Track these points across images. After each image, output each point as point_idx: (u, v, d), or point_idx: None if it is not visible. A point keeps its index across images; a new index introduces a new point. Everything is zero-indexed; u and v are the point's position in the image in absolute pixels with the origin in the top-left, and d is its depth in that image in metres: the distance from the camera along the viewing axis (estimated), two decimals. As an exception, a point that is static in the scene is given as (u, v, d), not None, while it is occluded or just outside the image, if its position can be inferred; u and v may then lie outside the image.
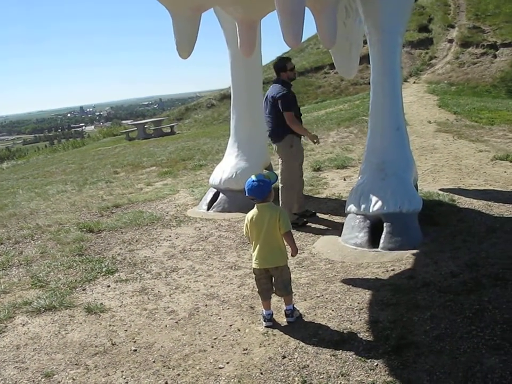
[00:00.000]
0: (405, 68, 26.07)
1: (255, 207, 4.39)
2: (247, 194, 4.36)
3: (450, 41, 26.95)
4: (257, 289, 4.51)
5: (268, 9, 6.55)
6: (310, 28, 6.25)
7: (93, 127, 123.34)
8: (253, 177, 4.34)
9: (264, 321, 4.39)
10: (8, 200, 10.89)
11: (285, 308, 4.44)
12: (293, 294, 4.60)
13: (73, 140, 38.02)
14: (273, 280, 4.42)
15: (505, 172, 8.55)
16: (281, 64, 6.90)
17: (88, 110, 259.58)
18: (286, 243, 4.41)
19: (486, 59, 24.31)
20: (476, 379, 3.33)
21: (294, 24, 4.94)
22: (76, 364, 4.06)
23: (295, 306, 4.49)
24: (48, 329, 4.68)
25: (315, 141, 7.19)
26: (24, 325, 4.82)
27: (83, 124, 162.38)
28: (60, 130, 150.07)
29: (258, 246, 4.35)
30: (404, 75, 24.45)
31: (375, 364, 3.65)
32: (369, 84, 6.85)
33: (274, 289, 4.45)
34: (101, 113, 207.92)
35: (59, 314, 4.95)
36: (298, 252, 5.77)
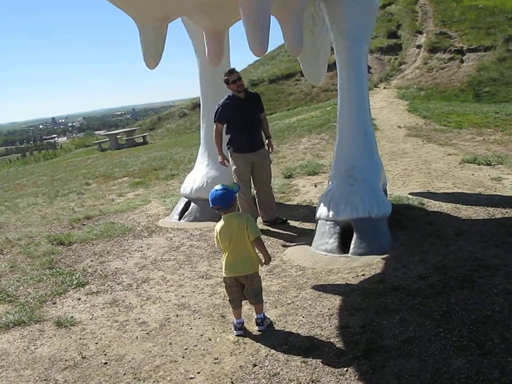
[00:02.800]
0: (375, 73, 26.35)
1: (222, 218, 4.39)
2: (211, 205, 4.35)
3: (419, 46, 27.29)
4: (228, 298, 4.52)
5: (234, 19, 6.57)
6: (281, 36, 6.29)
7: (65, 138, 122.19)
8: (216, 187, 4.37)
9: (235, 329, 4.39)
10: (-23, 215, 10.74)
11: (255, 317, 4.45)
12: (264, 302, 4.61)
13: (45, 152, 37.61)
14: (244, 289, 4.42)
15: (472, 174, 8.68)
16: (224, 79, 6.95)
17: (60, 121, 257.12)
18: (257, 251, 4.42)
19: (453, 64, 24.65)
20: (443, 380, 3.37)
21: (259, 33, 4.97)
22: (44, 380, 4.01)
23: (265, 314, 4.50)
24: (16, 345, 4.62)
25: (220, 161, 7.15)
26: (-8, 341, 4.76)
27: (55, 135, 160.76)
28: (32, 142, 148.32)
29: (228, 255, 4.35)
30: (374, 81, 24.73)
31: (345, 369, 3.67)
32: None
33: (245, 297, 4.46)
34: (74, 124, 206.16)
35: (28, 329, 4.90)
36: None
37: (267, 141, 7.26)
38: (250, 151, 7.01)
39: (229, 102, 7.00)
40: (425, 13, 30.23)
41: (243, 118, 6.96)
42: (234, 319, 4.45)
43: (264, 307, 4.56)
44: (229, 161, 7.12)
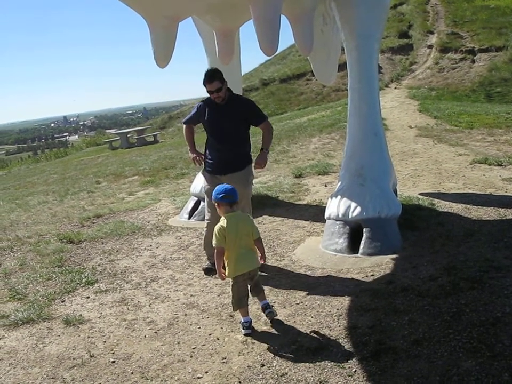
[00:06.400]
0: (386, 73, 26.28)
1: (226, 217, 4.42)
2: (223, 195, 4.41)
3: (430, 47, 27.18)
4: (237, 297, 4.44)
5: (244, 18, 6.56)
6: (291, 35, 6.28)
7: (77, 136, 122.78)
8: (223, 185, 4.58)
9: (244, 328, 4.38)
10: (-12, 212, 10.80)
11: (261, 304, 4.55)
12: (273, 301, 4.74)
13: (56, 150, 37.82)
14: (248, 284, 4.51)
15: (483, 175, 8.62)
16: (204, 83, 5.67)
17: (71, 119, 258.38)
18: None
19: (464, 64, 24.54)
20: (452, 382, 3.34)
21: (269, 33, 4.96)
22: (52, 378, 4.01)
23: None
24: (25, 343, 4.63)
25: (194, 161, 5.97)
26: (0, 339, 4.77)
27: (67, 134, 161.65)
28: (43, 140, 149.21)
29: (238, 252, 4.37)
30: (385, 81, 24.66)
31: (354, 370, 3.65)
32: (350, 90, 6.87)
33: (250, 291, 4.54)
34: (85, 122, 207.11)
35: (37, 327, 4.91)
36: (279, 259, 5.95)
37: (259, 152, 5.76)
38: (219, 173, 5.72)
39: (204, 105, 5.88)
40: (437, 13, 30.11)
41: (214, 129, 5.77)
42: (242, 317, 4.43)
43: (273, 307, 4.64)
44: (202, 160, 5.92)
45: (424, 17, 29.90)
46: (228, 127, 5.65)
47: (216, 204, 4.53)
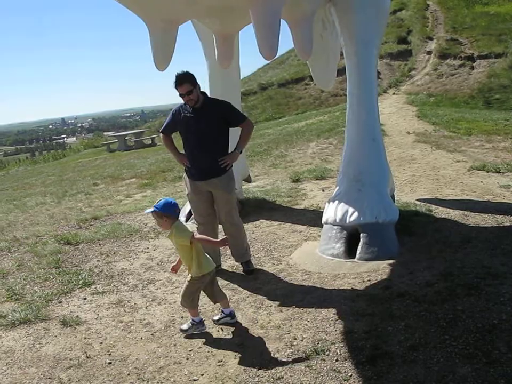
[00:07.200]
0: (385, 79, 26.29)
1: (175, 225, 4.42)
2: (176, 209, 4.43)
3: (429, 53, 27.17)
4: (192, 296, 4.58)
5: (244, 22, 6.57)
6: (290, 40, 6.29)
7: (74, 138, 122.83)
8: (167, 198, 4.55)
9: (199, 327, 4.54)
10: (-15, 213, 10.79)
11: (225, 311, 4.70)
12: (269, 305, 4.79)
13: (54, 152, 37.76)
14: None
15: (481, 181, 8.64)
16: (175, 86, 5.44)
17: (69, 121, 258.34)
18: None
19: (463, 70, 24.55)
20: (448, 388, 3.35)
21: (269, 37, 4.96)
22: (49, 378, 4.02)
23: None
24: (22, 343, 4.64)
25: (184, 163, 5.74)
26: (-3, 338, 4.77)
27: (65, 136, 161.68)
28: (41, 142, 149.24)
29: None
30: (383, 86, 24.66)
31: (349, 374, 3.65)
32: (349, 95, 6.87)
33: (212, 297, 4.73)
34: (83, 124, 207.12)
35: (34, 328, 4.91)
36: (275, 264, 5.97)
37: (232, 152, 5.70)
38: (199, 179, 5.59)
39: (179, 111, 5.70)
40: (436, 19, 30.12)
41: (191, 134, 5.59)
42: (194, 317, 4.58)
43: (269, 311, 4.69)
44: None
45: (423, 23, 29.90)
46: (205, 131, 5.47)
47: (164, 217, 4.36)
